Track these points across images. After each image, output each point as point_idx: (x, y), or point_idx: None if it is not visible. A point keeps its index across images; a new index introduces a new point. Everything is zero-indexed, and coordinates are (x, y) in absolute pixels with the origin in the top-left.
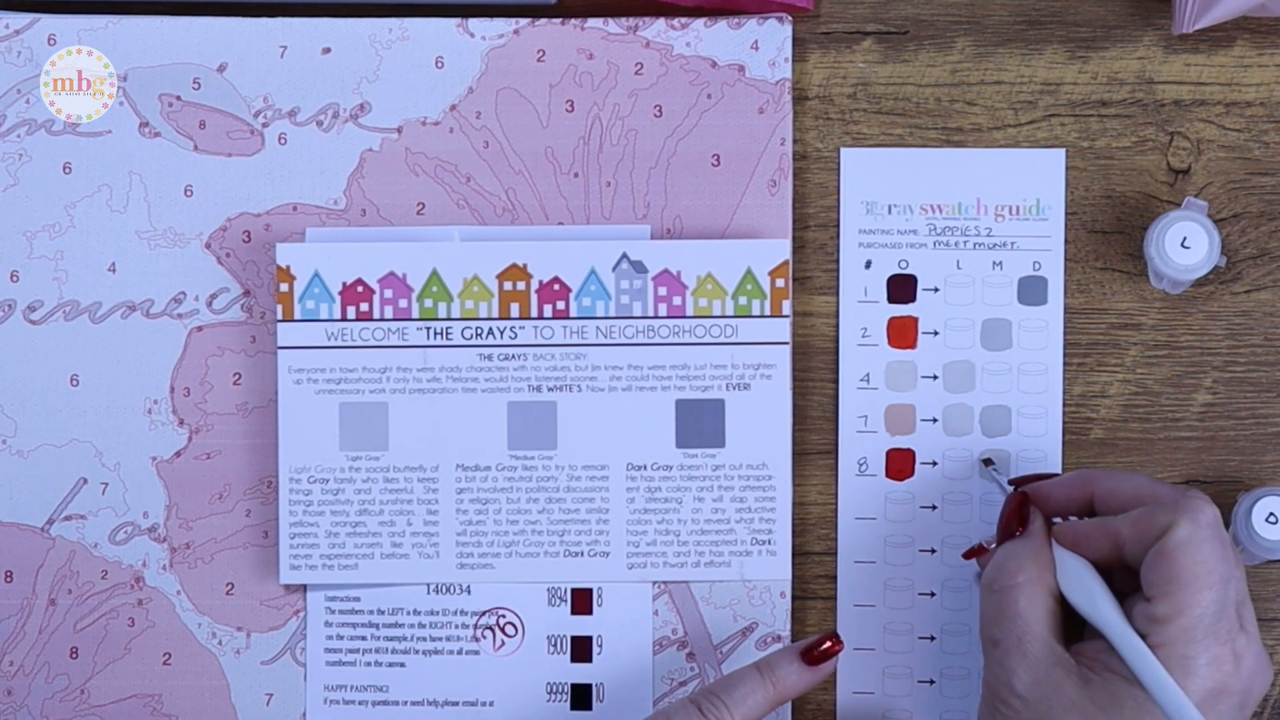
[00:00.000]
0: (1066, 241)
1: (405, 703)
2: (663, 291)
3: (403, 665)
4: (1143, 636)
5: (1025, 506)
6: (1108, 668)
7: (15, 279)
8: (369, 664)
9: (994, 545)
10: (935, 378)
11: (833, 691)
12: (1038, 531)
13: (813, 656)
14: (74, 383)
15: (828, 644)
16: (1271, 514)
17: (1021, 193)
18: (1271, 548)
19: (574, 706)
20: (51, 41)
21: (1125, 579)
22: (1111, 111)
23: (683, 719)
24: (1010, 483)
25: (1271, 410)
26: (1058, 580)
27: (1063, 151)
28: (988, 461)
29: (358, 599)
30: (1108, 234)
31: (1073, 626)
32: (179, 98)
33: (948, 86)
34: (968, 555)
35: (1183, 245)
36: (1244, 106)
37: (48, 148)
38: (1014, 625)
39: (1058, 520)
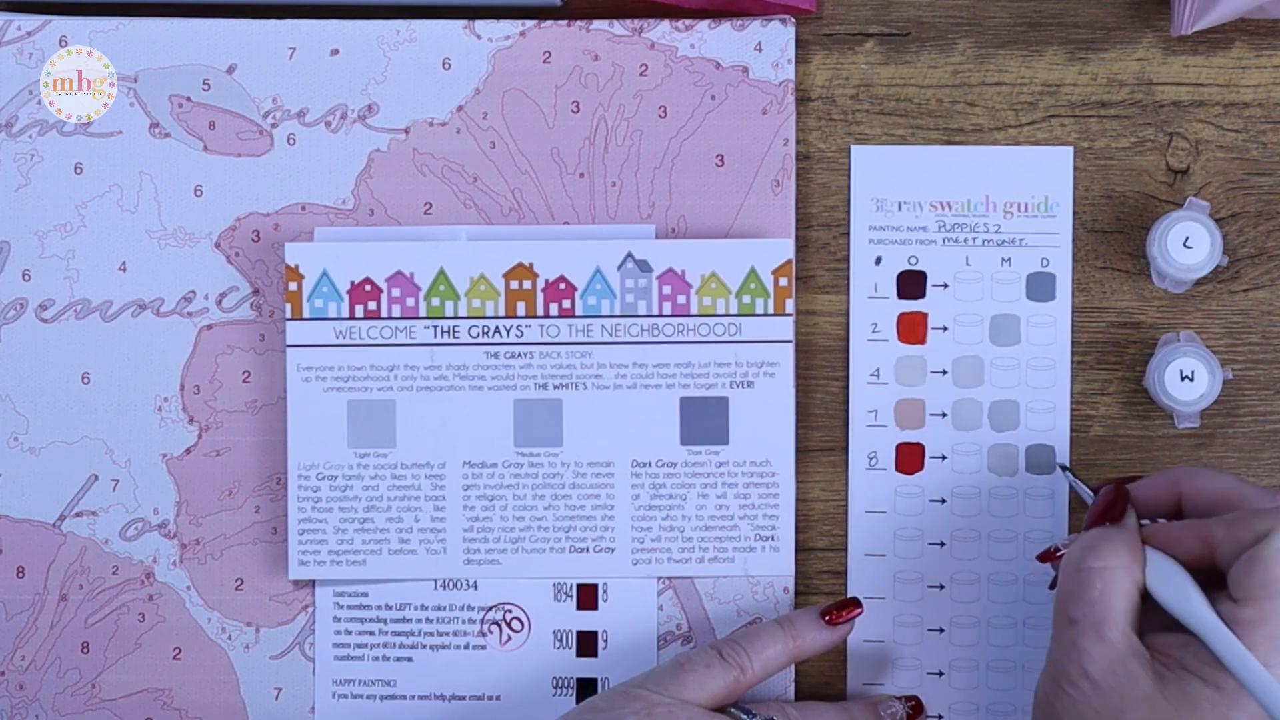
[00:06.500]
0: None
1: (413, 697)
2: (667, 290)
3: (410, 660)
4: None
5: (1123, 500)
6: (1182, 665)
7: (27, 278)
8: (377, 659)
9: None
10: (945, 373)
11: (842, 685)
12: (1132, 526)
13: (833, 617)
14: (85, 380)
15: (849, 606)
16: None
17: (1030, 190)
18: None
19: (580, 701)
20: (63, 43)
21: (1208, 580)
22: (1111, 112)
23: (704, 661)
24: (1093, 488)
25: (1270, 409)
26: (1147, 578)
27: (1070, 149)
28: (1064, 467)
29: (366, 594)
30: (1108, 234)
31: (1145, 625)
32: (189, 98)
33: (949, 88)
34: (1042, 558)
35: (1185, 245)
36: (1242, 107)
37: (59, 148)
38: (1095, 608)
39: (1145, 522)
